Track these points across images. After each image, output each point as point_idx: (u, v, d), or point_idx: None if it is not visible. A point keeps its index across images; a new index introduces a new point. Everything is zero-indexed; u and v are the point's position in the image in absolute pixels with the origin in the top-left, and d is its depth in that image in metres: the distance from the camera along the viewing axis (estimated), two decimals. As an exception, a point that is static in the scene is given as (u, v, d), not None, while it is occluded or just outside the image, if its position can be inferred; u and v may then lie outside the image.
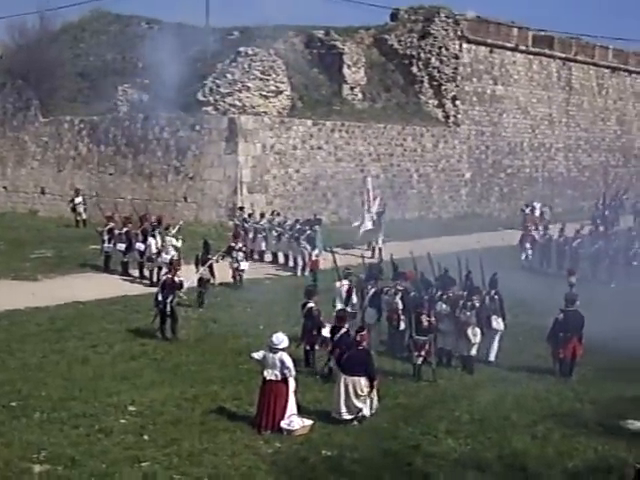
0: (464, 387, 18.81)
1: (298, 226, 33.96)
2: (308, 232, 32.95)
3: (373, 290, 21.86)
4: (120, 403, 16.73)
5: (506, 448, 14.96)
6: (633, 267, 31.61)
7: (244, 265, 29.76)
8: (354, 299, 21.90)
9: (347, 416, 15.82)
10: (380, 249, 35.82)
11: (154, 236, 29.83)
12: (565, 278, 29.02)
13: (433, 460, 14.28)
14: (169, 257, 27.12)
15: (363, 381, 15.76)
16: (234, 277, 29.65)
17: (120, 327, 23.18)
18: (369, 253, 35.11)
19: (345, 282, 22.20)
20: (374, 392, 16.05)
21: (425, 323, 19.26)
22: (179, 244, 29.81)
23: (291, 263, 33.76)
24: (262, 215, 36.43)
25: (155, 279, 28.11)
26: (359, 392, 15.73)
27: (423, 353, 19.19)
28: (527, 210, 46.99)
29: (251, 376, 17.58)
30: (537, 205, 49.67)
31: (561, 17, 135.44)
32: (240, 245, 30.12)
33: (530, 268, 34.17)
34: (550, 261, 34.93)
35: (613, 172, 68.80)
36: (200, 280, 26.14)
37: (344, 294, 21.90)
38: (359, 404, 15.82)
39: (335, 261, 23.64)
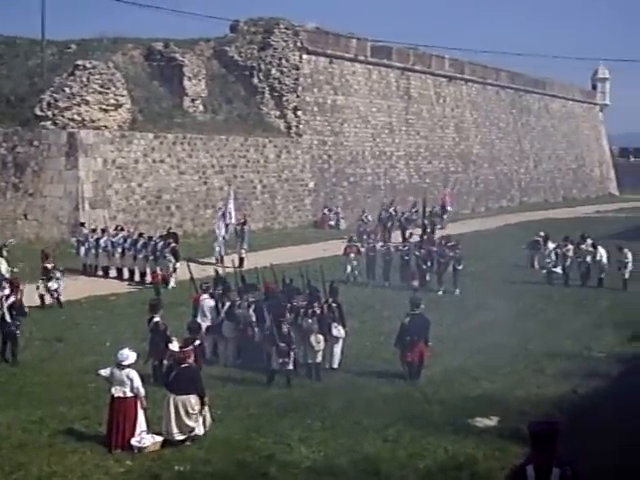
0: (314, 394, 18.86)
1: (153, 241, 33.50)
2: (172, 245, 32.84)
3: (229, 303, 21.66)
4: (-38, 430, 16.07)
5: (358, 453, 15.05)
6: (458, 271, 32.33)
7: (56, 284, 28.54)
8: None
9: (179, 437, 15.29)
10: (242, 259, 35.61)
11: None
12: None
13: (287, 469, 14.25)
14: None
15: (193, 399, 15.26)
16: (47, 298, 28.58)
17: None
18: (220, 265, 34.87)
19: (206, 295, 22.01)
20: (205, 409, 15.57)
21: (285, 330, 19.30)
22: (5, 267, 29.19)
23: (137, 278, 33.38)
24: (103, 230, 35.72)
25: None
26: (190, 411, 15.23)
27: (287, 360, 19.20)
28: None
29: (99, 395, 17.15)
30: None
31: (398, 28, 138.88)
32: (52, 265, 29.11)
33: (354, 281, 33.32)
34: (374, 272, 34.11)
35: (453, 178, 70.68)
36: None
37: (206, 308, 21.69)
38: (191, 423, 15.31)
39: (191, 274, 23.43)
